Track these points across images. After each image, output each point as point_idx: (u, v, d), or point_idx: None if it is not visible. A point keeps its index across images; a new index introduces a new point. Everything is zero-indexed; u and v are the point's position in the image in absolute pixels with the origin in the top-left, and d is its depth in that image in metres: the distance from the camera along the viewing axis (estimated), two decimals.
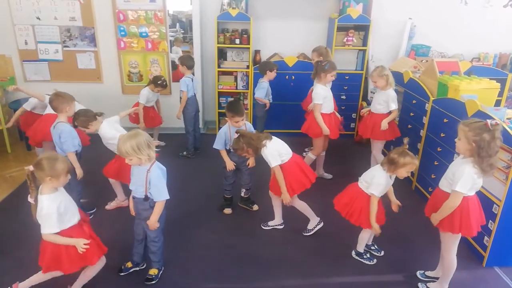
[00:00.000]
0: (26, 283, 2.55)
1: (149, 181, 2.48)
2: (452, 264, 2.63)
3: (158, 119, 4.99)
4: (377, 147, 4.09)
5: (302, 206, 3.31)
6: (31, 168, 2.25)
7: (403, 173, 2.69)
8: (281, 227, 3.46)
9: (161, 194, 2.53)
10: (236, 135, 3.07)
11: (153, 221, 2.59)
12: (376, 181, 2.74)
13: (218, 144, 3.44)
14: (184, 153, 4.89)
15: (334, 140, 4.15)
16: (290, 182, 3.09)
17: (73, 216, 2.39)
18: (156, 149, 2.56)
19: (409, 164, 2.65)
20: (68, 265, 2.35)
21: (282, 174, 3.05)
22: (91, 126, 3.32)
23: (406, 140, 2.72)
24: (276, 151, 3.05)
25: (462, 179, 2.33)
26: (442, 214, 2.45)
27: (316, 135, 4.01)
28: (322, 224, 3.37)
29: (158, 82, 4.68)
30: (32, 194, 2.29)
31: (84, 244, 2.32)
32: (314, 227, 3.37)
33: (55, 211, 2.25)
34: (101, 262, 2.55)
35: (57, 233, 2.29)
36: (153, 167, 2.50)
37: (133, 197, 2.64)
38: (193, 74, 4.70)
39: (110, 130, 3.39)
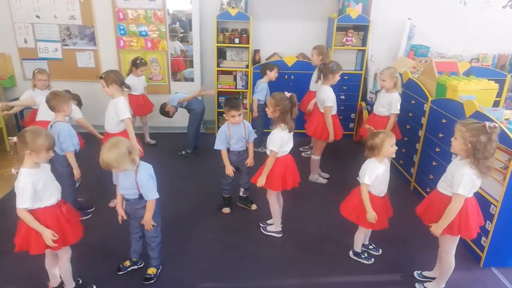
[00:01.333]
0: (63, 275, 2.58)
1: (138, 183, 2.49)
2: (451, 265, 2.64)
3: (148, 108, 4.94)
4: None
5: (274, 207, 3.31)
6: (14, 139, 2.25)
7: (388, 149, 2.71)
8: (280, 235, 3.38)
9: (150, 194, 2.55)
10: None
11: (148, 219, 2.61)
12: (367, 170, 2.73)
13: (219, 144, 3.41)
14: (183, 152, 4.89)
15: (334, 140, 4.16)
16: (270, 176, 3.12)
17: (52, 195, 2.35)
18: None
19: (385, 139, 2.68)
20: (35, 246, 2.31)
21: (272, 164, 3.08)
22: (112, 87, 3.34)
23: (367, 126, 2.82)
24: (282, 140, 3.05)
25: (463, 181, 2.33)
26: (447, 220, 2.40)
27: (324, 138, 4.01)
28: (280, 235, 3.35)
29: (137, 62, 4.64)
30: (16, 166, 2.28)
31: (53, 236, 2.27)
32: (272, 232, 3.37)
33: (30, 187, 2.22)
34: (67, 252, 2.50)
35: (31, 211, 2.26)
36: (140, 170, 2.49)
37: (127, 200, 2.64)
38: None
39: (126, 104, 3.43)
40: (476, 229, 2.50)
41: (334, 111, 3.98)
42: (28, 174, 2.25)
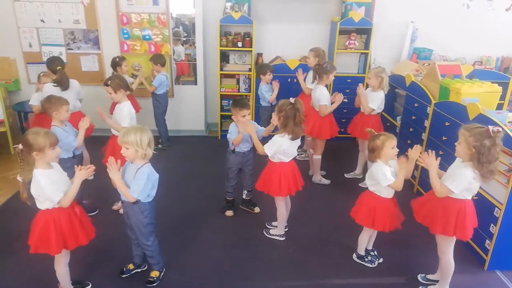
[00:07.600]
0: (62, 282, 2.60)
1: (135, 176, 2.46)
2: (449, 266, 2.64)
3: (137, 106, 4.91)
4: (366, 146, 4.12)
5: (282, 213, 3.30)
6: (20, 146, 2.29)
7: (389, 152, 2.70)
8: (283, 238, 3.39)
9: (136, 190, 2.46)
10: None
11: (116, 184, 2.50)
12: (380, 173, 2.72)
13: (233, 135, 3.36)
14: (159, 146, 4.95)
15: (335, 142, 4.18)
16: (268, 182, 3.14)
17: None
18: (154, 151, 2.55)
19: (386, 141, 2.69)
20: (55, 247, 2.33)
21: (269, 169, 3.13)
22: (119, 93, 3.37)
23: (368, 129, 2.85)
24: (280, 147, 3.03)
25: (458, 180, 2.37)
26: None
27: (323, 136, 4.09)
28: (283, 238, 3.36)
29: (117, 60, 4.62)
30: (22, 174, 2.31)
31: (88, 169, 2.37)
32: (275, 235, 3.38)
33: (49, 181, 2.27)
34: (65, 256, 2.50)
35: (47, 211, 2.30)
36: (145, 167, 2.48)
37: (122, 201, 2.62)
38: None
39: (130, 112, 3.42)
40: (471, 231, 2.51)
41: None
42: (43, 173, 2.29)
